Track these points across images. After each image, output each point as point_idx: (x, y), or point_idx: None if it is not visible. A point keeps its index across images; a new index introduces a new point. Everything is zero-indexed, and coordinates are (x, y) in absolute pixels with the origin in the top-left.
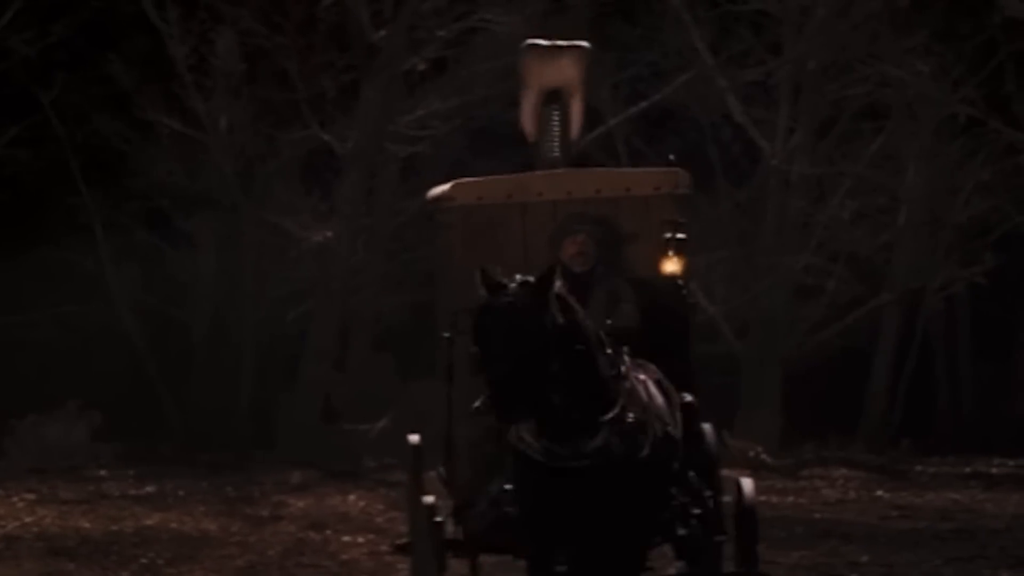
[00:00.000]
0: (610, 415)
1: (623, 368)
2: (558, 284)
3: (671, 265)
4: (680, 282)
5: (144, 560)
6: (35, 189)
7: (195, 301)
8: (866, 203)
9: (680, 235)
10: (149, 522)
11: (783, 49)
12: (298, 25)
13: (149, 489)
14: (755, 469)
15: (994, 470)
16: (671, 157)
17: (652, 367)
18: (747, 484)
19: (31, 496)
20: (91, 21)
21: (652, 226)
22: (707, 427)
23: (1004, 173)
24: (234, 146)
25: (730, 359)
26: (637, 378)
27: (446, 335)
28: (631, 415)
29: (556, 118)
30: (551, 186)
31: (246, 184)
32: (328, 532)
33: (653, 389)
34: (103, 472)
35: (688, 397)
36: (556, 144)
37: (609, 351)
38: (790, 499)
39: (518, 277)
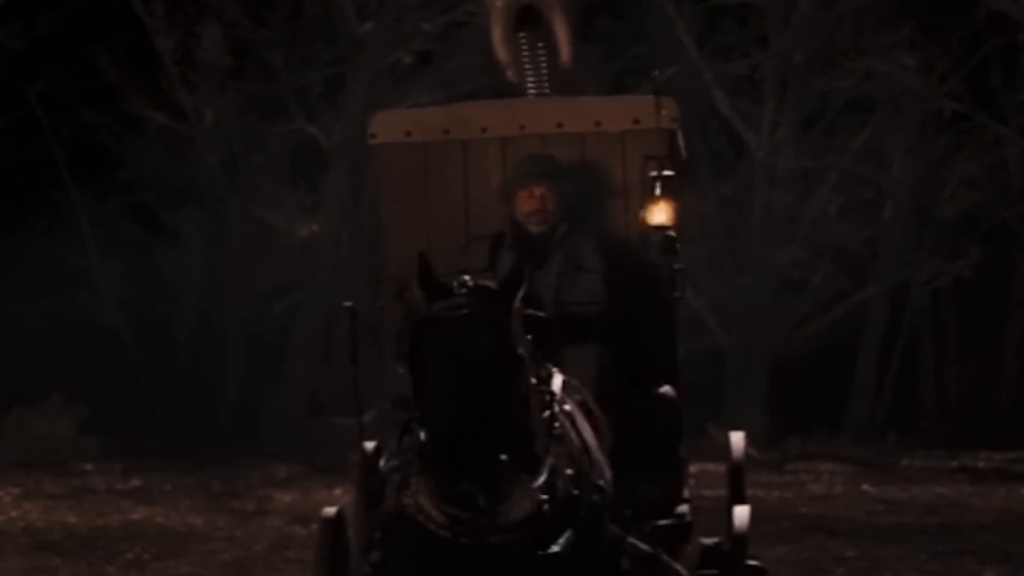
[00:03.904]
0: (540, 480)
1: (555, 403)
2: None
3: (658, 213)
4: (670, 234)
5: (130, 555)
6: (21, 182)
7: (181, 295)
8: (852, 197)
9: (667, 172)
10: (135, 516)
11: (769, 42)
12: (284, 18)
13: (135, 483)
14: None
15: (980, 464)
16: (655, 73)
17: (574, 383)
18: (740, 513)
19: (16, 490)
20: (77, 15)
21: (629, 170)
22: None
23: (990, 167)
24: (220, 140)
25: (716, 353)
26: (565, 410)
27: (347, 304)
28: (567, 470)
29: (540, 47)
30: (499, 118)
31: (232, 178)
32: (314, 526)
33: (582, 422)
34: (89, 466)
35: (668, 389)
36: (542, 78)
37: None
38: (776, 494)
39: (467, 279)
